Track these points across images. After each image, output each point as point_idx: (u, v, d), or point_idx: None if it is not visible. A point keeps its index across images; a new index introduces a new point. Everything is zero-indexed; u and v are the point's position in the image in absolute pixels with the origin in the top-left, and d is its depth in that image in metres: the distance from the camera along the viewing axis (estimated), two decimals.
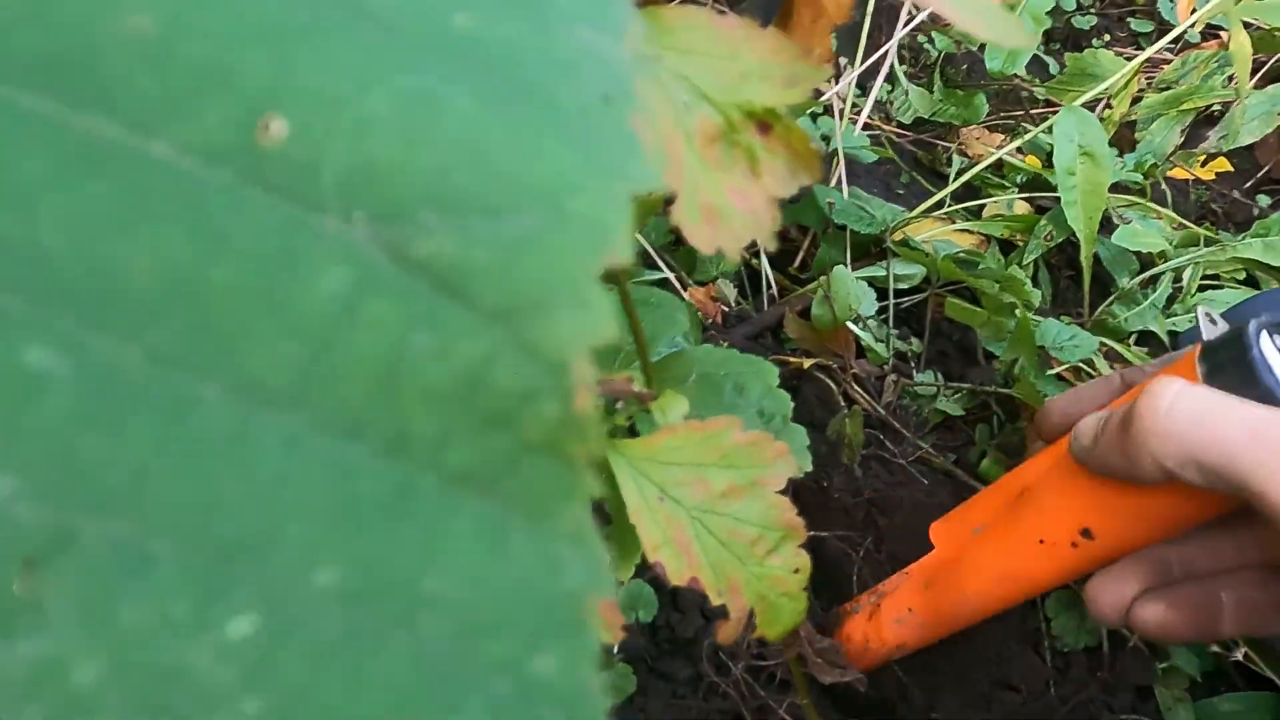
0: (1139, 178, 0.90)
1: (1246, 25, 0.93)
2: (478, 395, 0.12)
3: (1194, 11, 0.96)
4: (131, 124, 0.11)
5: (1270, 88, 0.88)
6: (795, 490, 0.75)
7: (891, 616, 0.56)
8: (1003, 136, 1.11)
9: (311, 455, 0.11)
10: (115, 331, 0.11)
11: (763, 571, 0.34)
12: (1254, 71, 1.09)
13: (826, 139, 0.90)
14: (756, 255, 0.85)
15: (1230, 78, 0.96)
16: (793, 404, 0.78)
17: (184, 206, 0.12)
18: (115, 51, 0.11)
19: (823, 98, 0.98)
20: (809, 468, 0.50)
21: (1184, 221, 0.89)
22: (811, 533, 0.74)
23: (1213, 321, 0.42)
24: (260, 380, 0.11)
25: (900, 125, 1.10)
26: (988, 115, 1.12)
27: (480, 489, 0.12)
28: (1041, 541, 0.44)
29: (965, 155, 1.08)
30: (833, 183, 0.89)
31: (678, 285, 0.80)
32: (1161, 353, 0.87)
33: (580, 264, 0.12)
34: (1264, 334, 0.37)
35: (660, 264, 0.80)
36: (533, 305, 0.12)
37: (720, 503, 0.33)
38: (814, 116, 0.93)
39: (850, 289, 0.77)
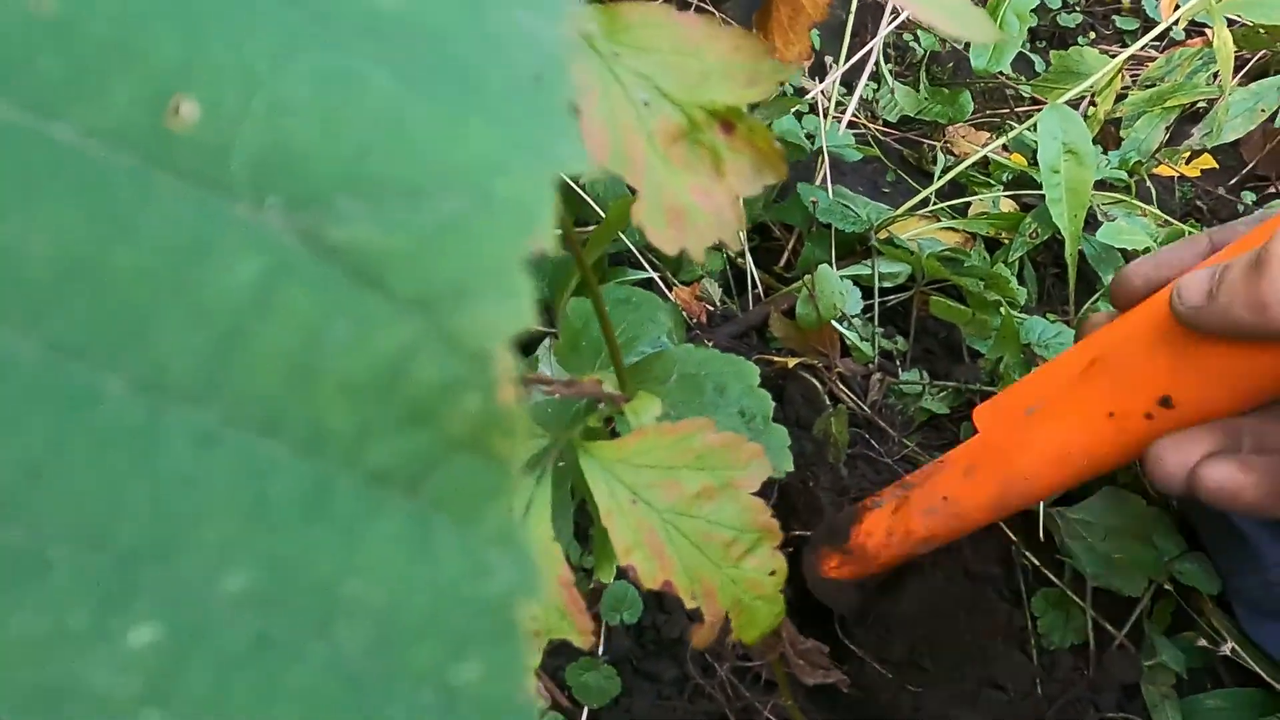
0: (1124, 175, 0.90)
1: (1230, 22, 0.94)
2: (398, 388, 0.12)
3: (1177, 9, 0.97)
4: (30, 105, 0.11)
5: (1254, 84, 0.88)
6: (781, 490, 0.75)
7: (922, 506, 0.52)
8: (988, 134, 1.11)
9: (223, 453, 0.11)
10: (9, 320, 0.10)
11: (738, 574, 0.34)
12: (1238, 68, 1.09)
13: (811, 137, 0.90)
14: (741, 254, 0.85)
15: (1214, 74, 0.96)
16: (777, 403, 0.78)
17: (87, 191, 0.11)
18: (14, 32, 0.11)
19: (807, 96, 0.98)
20: (790, 468, 0.50)
21: (1169, 219, 0.89)
22: (797, 532, 0.73)
23: None
24: (168, 373, 0.11)
25: (886, 123, 1.10)
26: (973, 113, 1.12)
27: (402, 488, 0.12)
28: (1112, 415, 0.40)
29: (951, 153, 1.08)
30: (817, 181, 0.89)
31: (662, 285, 0.80)
32: None
33: (504, 250, 0.12)
34: None
35: (644, 264, 0.80)
36: (454, 293, 0.12)
37: (693, 505, 0.33)
38: (799, 115, 0.93)
39: (835, 288, 0.76)
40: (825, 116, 0.94)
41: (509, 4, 0.15)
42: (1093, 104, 0.95)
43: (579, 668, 0.61)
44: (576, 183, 0.72)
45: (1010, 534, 0.73)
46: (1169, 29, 0.99)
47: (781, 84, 0.91)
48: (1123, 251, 0.87)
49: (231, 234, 0.11)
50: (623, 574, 0.41)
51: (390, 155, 0.12)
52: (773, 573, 0.35)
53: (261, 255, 0.11)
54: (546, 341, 0.68)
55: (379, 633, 0.11)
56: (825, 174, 0.87)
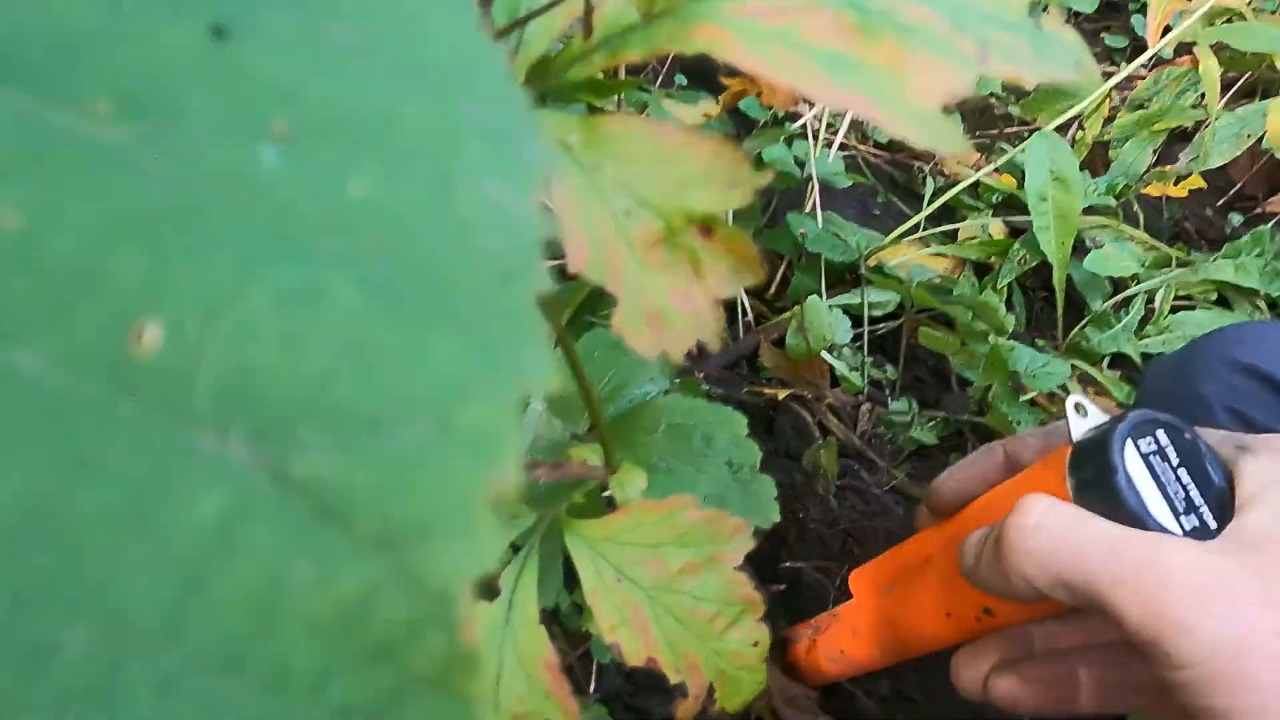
0: (1111, 201, 0.90)
1: (1218, 46, 0.94)
2: (361, 627, 0.12)
3: (1166, 31, 0.97)
4: None
5: (1240, 109, 0.88)
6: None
7: (825, 654, 0.57)
8: (978, 155, 1.11)
9: (185, 698, 0.11)
10: None
11: (721, 647, 0.34)
12: (1226, 89, 1.09)
13: (801, 163, 0.90)
14: None
15: (1202, 96, 0.96)
16: (767, 435, 0.78)
17: (50, 427, 0.11)
18: None
19: (798, 121, 0.98)
20: (776, 519, 0.50)
21: (1155, 243, 0.89)
22: (788, 564, 0.74)
23: (1082, 413, 0.40)
24: (130, 620, 0.11)
25: (876, 145, 1.11)
26: (963, 134, 1.12)
27: None
28: (949, 615, 0.45)
29: (942, 174, 1.08)
30: (807, 208, 0.89)
31: None
32: (1135, 377, 0.87)
33: (466, 486, 0.12)
34: (1128, 446, 0.37)
35: None
36: (415, 533, 0.12)
37: (677, 581, 0.33)
38: (789, 140, 0.93)
39: (824, 318, 0.77)
40: (815, 141, 0.94)
41: (480, 175, 0.14)
42: (1081, 127, 0.96)
43: None
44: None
45: None
46: (1158, 50, 1.00)
47: (771, 109, 0.90)
48: (1110, 278, 0.87)
49: (195, 468, 0.11)
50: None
51: (352, 381, 0.12)
52: (755, 643, 0.35)
53: (224, 490, 0.11)
54: None
55: None
56: (815, 202, 0.87)
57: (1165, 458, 0.37)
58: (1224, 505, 0.37)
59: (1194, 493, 0.37)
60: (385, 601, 0.12)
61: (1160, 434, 0.37)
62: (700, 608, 0.34)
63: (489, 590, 0.31)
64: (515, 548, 0.33)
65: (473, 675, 0.12)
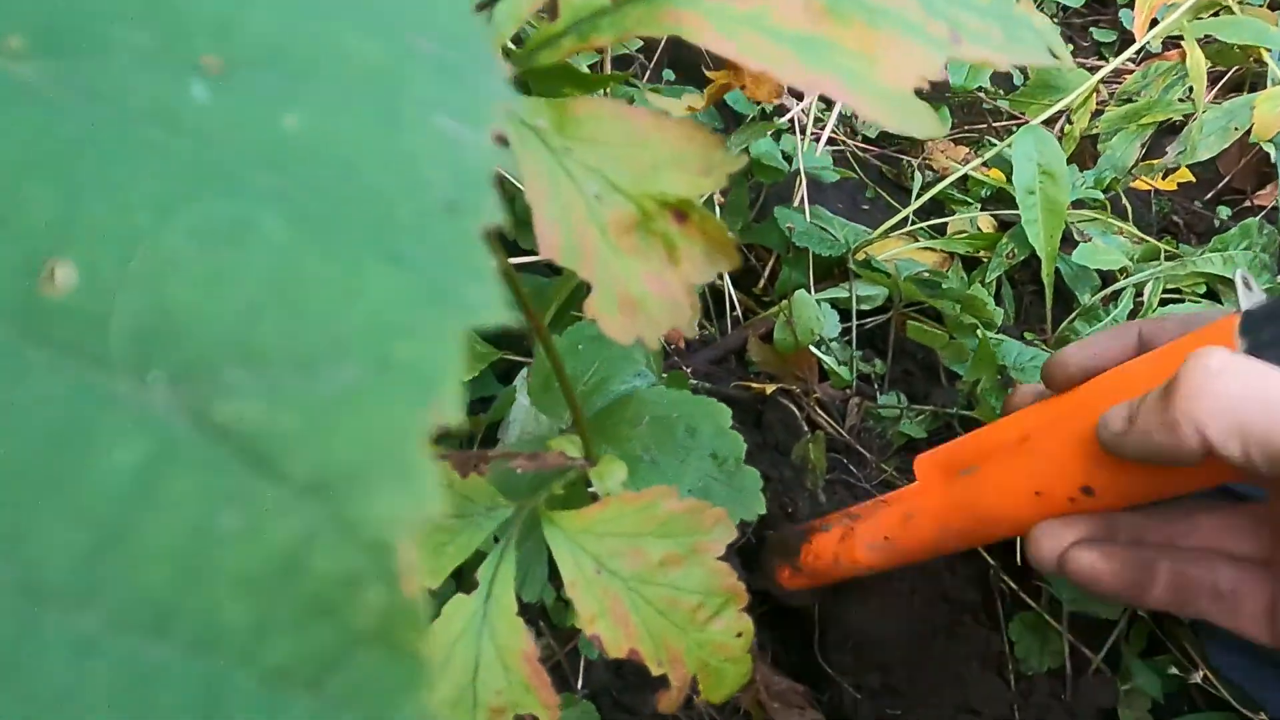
0: (1099, 194, 0.90)
1: (1206, 40, 0.94)
2: (296, 581, 0.11)
3: (1153, 25, 0.97)
4: None
5: (1227, 102, 0.88)
6: (759, 517, 0.75)
7: (866, 540, 0.56)
8: (967, 149, 1.11)
9: (106, 659, 0.10)
10: None
11: (704, 638, 0.34)
12: (1214, 82, 1.09)
13: (789, 158, 0.90)
14: (721, 277, 0.85)
15: (1190, 89, 0.97)
16: (756, 429, 0.78)
17: None
18: None
19: (786, 115, 0.97)
20: (762, 511, 0.50)
21: (1144, 236, 0.89)
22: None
23: (1249, 287, 0.39)
24: (46, 575, 0.10)
25: (865, 139, 1.10)
26: (952, 128, 1.12)
27: (304, 686, 0.11)
28: (1038, 494, 0.43)
29: (930, 169, 1.08)
30: (795, 202, 0.89)
31: None
32: None
33: (403, 426, 0.11)
34: None
35: None
36: (350, 478, 0.11)
37: (658, 572, 0.33)
38: (777, 135, 0.93)
39: (811, 312, 0.77)
40: (803, 135, 0.94)
41: (428, 108, 0.14)
42: (1069, 121, 0.96)
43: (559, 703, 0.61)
44: None
45: (989, 559, 0.73)
46: (1146, 43, 1.00)
47: (759, 104, 0.90)
48: (1099, 271, 0.87)
49: (112, 414, 0.11)
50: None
51: (280, 319, 0.11)
52: (739, 634, 0.35)
53: (144, 438, 0.11)
54: (524, 372, 0.68)
55: None
56: (803, 195, 0.87)
57: None
58: None
59: None
60: (320, 553, 0.11)
61: None
62: (682, 599, 0.33)
63: (467, 582, 0.31)
64: (494, 539, 0.32)
65: (418, 629, 0.11)
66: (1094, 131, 1.00)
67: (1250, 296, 0.38)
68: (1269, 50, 0.93)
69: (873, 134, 1.10)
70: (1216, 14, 0.92)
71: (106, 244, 0.11)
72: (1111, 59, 0.94)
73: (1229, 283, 0.89)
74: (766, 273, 0.89)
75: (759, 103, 0.94)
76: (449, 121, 0.14)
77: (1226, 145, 0.86)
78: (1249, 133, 0.93)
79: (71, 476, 0.11)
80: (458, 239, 0.13)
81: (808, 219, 0.85)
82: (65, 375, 0.11)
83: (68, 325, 0.11)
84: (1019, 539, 0.69)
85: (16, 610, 0.10)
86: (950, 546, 0.52)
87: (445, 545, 0.32)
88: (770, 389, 0.75)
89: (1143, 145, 0.95)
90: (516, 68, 0.25)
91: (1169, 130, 1.07)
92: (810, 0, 0.23)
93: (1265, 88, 0.88)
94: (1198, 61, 0.80)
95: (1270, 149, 0.97)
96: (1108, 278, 0.89)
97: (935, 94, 1.15)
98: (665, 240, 0.25)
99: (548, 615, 0.64)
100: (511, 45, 0.26)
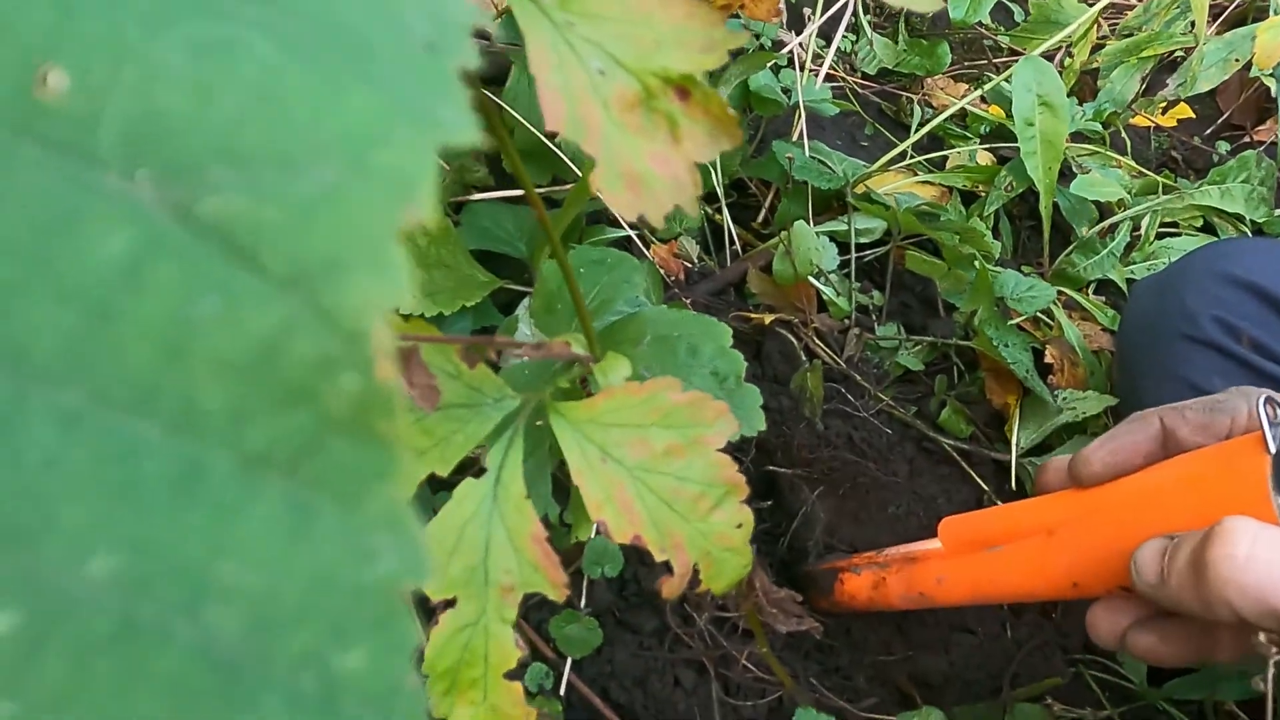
0: (1098, 127, 0.90)
1: None
2: (274, 367, 0.11)
3: None
4: None
5: (1228, 34, 0.88)
6: (758, 444, 0.76)
7: (900, 592, 0.58)
8: (967, 86, 1.10)
9: (91, 433, 0.11)
10: None
11: (706, 528, 0.35)
12: (1215, 15, 1.09)
13: (788, 92, 0.90)
14: (719, 211, 0.85)
15: (1191, 23, 0.96)
16: (755, 360, 0.79)
17: None
18: None
19: (784, 49, 0.97)
20: (762, 427, 0.51)
21: (1143, 170, 0.89)
22: (771, 468, 0.75)
23: (1275, 412, 0.38)
24: (33, 351, 0.11)
25: (864, 76, 1.10)
26: (952, 64, 1.11)
27: (280, 470, 0.11)
28: (1075, 585, 0.45)
29: (930, 105, 1.08)
30: (794, 136, 0.89)
31: (640, 244, 0.80)
32: (1120, 303, 0.88)
33: (379, 222, 0.12)
34: None
35: (622, 222, 0.80)
36: (328, 268, 0.12)
37: (662, 461, 0.34)
38: (776, 69, 0.93)
39: (811, 244, 0.77)
40: (802, 70, 0.94)
41: None
42: (1069, 55, 0.95)
43: (561, 620, 0.62)
44: (552, 141, 0.72)
45: (982, 484, 0.75)
46: None
47: (759, 38, 0.90)
48: (1097, 203, 0.87)
49: (101, 207, 0.11)
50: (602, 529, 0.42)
51: (265, 125, 0.12)
52: (740, 525, 0.36)
53: (131, 228, 0.11)
54: (526, 300, 0.68)
55: (254, 618, 0.11)
56: (802, 129, 0.86)
57: None
58: None
59: None
60: (297, 340, 0.11)
61: None
62: (684, 488, 0.34)
63: (476, 468, 0.32)
64: (502, 428, 0.33)
65: (390, 416, 0.12)
66: (1094, 66, 1.00)
67: (1276, 430, 0.37)
68: None
69: (872, 70, 1.10)
70: None
71: (98, 53, 0.12)
72: None
73: (1225, 215, 0.89)
74: (765, 206, 0.89)
75: (758, 36, 0.93)
76: None
77: (1227, 77, 0.86)
78: (1249, 67, 0.93)
79: (61, 260, 0.11)
80: (435, 72, 0.13)
81: (806, 153, 0.85)
82: (57, 170, 0.11)
83: (60, 125, 0.12)
84: None
85: (4, 383, 0.11)
86: (985, 601, 0.55)
87: (454, 434, 0.33)
88: (769, 319, 0.76)
89: (1143, 79, 0.94)
90: None
91: (1169, 66, 1.06)
92: None
93: (1267, 19, 0.88)
94: None
95: (1271, 83, 0.97)
96: (1105, 211, 0.90)
97: (935, 30, 1.14)
98: (668, 118, 0.26)
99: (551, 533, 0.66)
100: None
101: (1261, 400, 0.38)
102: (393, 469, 0.12)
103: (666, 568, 0.35)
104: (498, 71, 0.73)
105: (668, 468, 0.34)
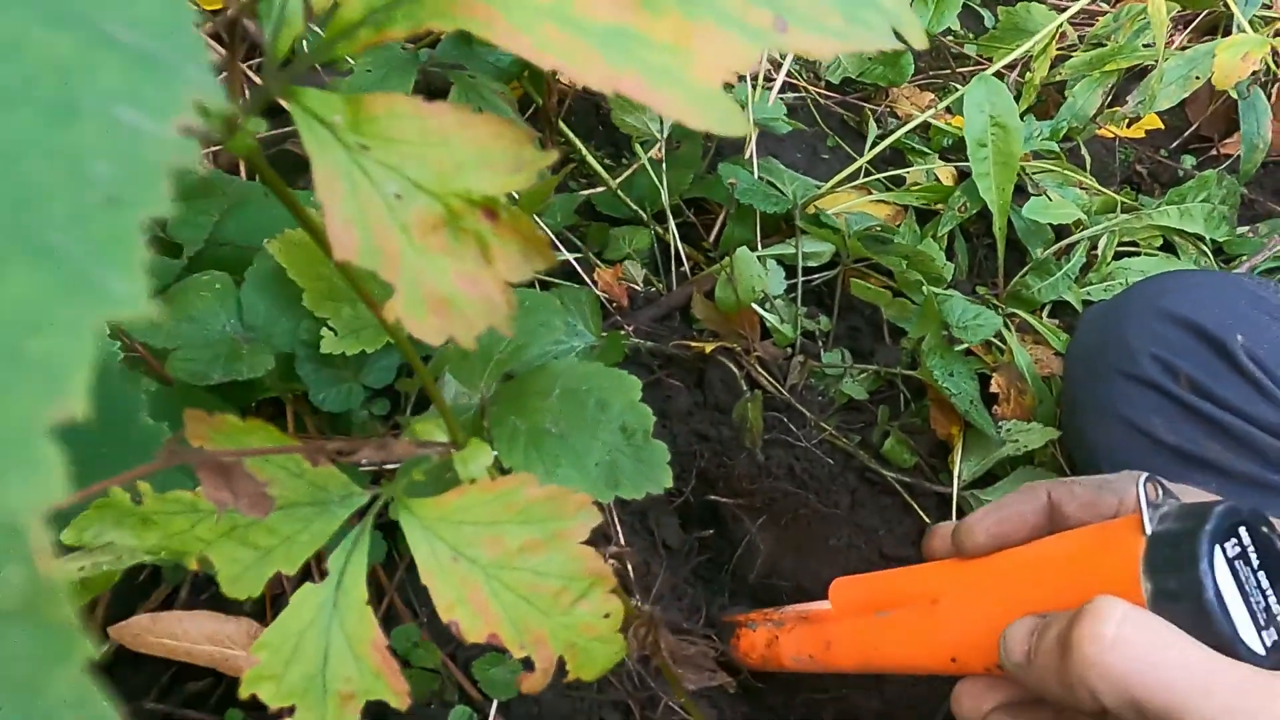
0: (1054, 146, 0.88)
1: None
2: None
3: None
4: None
5: (1190, 50, 0.86)
6: (698, 473, 0.75)
7: (790, 653, 0.57)
8: (933, 95, 1.08)
9: None
10: None
11: (570, 620, 0.34)
12: (1185, 25, 1.07)
13: (741, 105, 0.88)
14: (667, 230, 0.84)
15: None
16: (696, 387, 0.78)
17: None
18: None
19: None
20: (669, 484, 0.50)
21: (1101, 189, 0.88)
22: (712, 498, 0.74)
23: (1155, 497, 0.37)
24: None
25: (829, 85, 1.08)
26: (918, 74, 1.09)
27: None
28: (954, 660, 0.44)
29: (895, 116, 1.06)
30: (747, 154, 0.88)
31: (581, 269, 0.79)
32: (1073, 322, 0.87)
33: (30, 417, 0.12)
34: (1217, 554, 0.33)
35: (562, 247, 0.78)
36: None
37: (518, 558, 0.33)
38: (729, 84, 0.91)
39: (754, 270, 0.76)
40: (757, 83, 0.92)
41: (111, 100, 0.14)
42: (1030, 69, 0.94)
43: (486, 662, 0.62)
44: None
45: (924, 516, 0.74)
46: None
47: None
48: (1051, 225, 0.86)
49: None
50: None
51: None
52: (607, 615, 0.35)
53: None
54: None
55: None
56: (752, 150, 0.85)
57: (1247, 560, 0.35)
58: None
59: (1273, 600, 0.35)
60: None
61: (1243, 532, 0.35)
62: (544, 583, 0.33)
63: (317, 572, 0.31)
64: (346, 529, 0.32)
65: (58, 603, 0.12)
66: (1060, 78, 0.98)
67: (1154, 514, 0.36)
68: None
69: (836, 79, 1.08)
70: None
71: None
72: (1075, 1, 0.91)
73: (1186, 235, 0.88)
74: (718, 224, 0.88)
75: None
76: (131, 113, 0.14)
77: (1186, 94, 0.84)
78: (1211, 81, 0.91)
79: None
80: (113, 233, 0.13)
81: (755, 173, 0.83)
82: None
83: None
84: None
85: None
86: (873, 671, 0.53)
87: (299, 534, 0.32)
88: (710, 348, 0.75)
89: (1106, 93, 0.93)
90: (316, 59, 0.24)
91: (1139, 75, 1.04)
92: None
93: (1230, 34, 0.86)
94: (1159, 8, 0.77)
95: (1236, 95, 0.95)
96: (1063, 231, 0.88)
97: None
98: (478, 238, 0.25)
99: None
100: (314, 35, 0.25)
101: (1142, 480, 0.37)
102: (69, 652, 0.12)
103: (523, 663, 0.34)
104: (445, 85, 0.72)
105: (525, 564, 0.33)
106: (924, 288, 0.77)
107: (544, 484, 0.33)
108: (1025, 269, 0.86)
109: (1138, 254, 0.89)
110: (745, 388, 0.75)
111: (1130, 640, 0.33)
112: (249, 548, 0.32)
